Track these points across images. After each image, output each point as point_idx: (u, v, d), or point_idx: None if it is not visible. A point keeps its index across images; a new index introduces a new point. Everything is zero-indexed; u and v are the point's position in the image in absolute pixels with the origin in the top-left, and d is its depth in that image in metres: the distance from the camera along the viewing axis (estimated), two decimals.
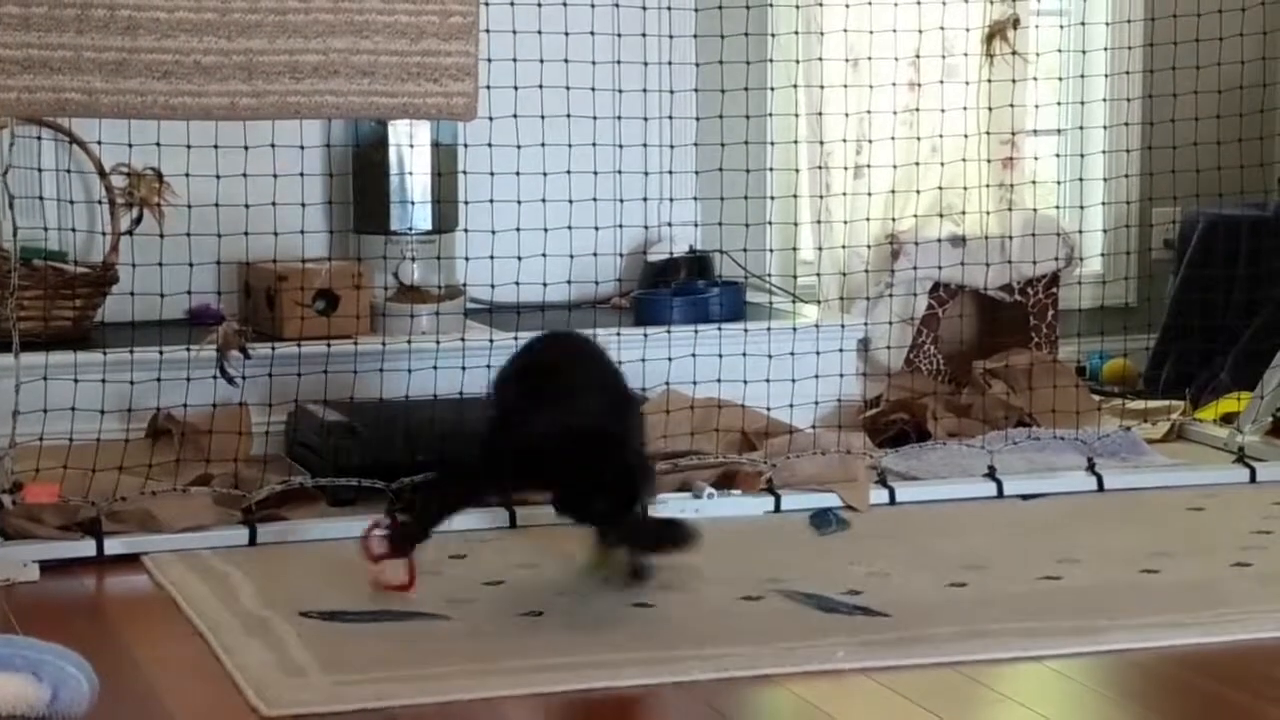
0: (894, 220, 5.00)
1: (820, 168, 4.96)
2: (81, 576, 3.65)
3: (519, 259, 4.47)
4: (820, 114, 4.94)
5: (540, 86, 4.42)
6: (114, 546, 3.74)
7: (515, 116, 4.39)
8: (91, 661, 2.79)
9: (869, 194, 4.98)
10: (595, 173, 4.60)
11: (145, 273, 4.24)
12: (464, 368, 4.35)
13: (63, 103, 3.72)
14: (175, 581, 3.55)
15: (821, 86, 4.91)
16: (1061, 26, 5.40)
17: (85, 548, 3.73)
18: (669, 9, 4.82)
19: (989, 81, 4.99)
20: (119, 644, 3.22)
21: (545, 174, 4.48)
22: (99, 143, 4.35)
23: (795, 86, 4.94)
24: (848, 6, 4.87)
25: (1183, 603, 3.40)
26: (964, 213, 5.01)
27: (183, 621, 3.34)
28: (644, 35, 4.75)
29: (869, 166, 4.96)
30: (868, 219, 4.98)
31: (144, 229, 4.51)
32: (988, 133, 4.99)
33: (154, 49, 3.70)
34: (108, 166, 4.55)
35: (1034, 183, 5.25)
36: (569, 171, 4.52)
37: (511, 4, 4.35)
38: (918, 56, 4.95)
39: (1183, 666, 3.11)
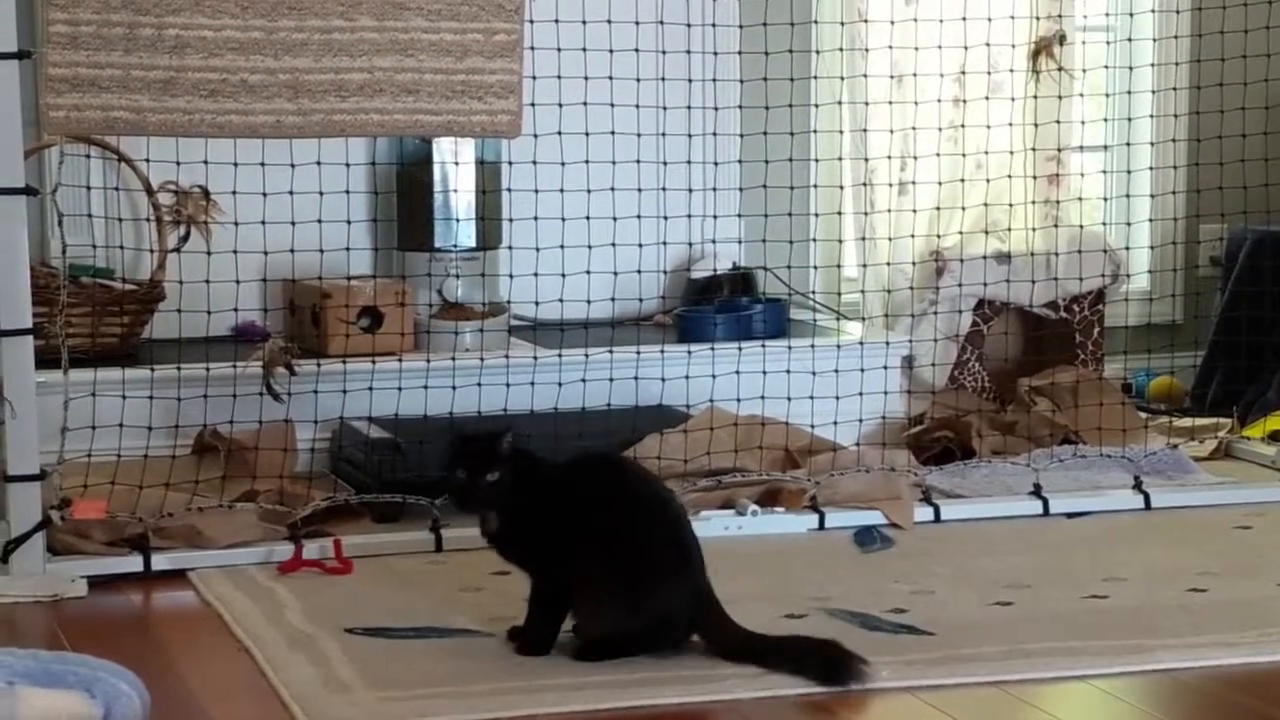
0: (938, 237, 5.00)
1: (864, 184, 4.96)
2: (128, 592, 3.67)
3: (563, 276, 4.47)
4: (865, 130, 4.94)
5: (584, 104, 4.43)
6: (161, 562, 3.76)
7: (559, 134, 4.40)
8: (138, 677, 2.80)
9: (913, 210, 4.97)
10: (639, 190, 4.61)
11: (192, 290, 4.26)
12: (508, 385, 4.36)
13: (111, 121, 3.74)
14: (221, 597, 3.56)
15: (866, 103, 4.92)
16: (1108, 42, 5.38)
17: (132, 563, 3.75)
18: (713, 25, 4.82)
19: (1034, 98, 4.98)
20: (165, 659, 3.23)
21: (589, 191, 4.49)
22: (147, 161, 4.38)
23: (839, 103, 4.94)
24: (892, 23, 4.87)
25: (1230, 622, 3.38)
26: (1009, 229, 5.00)
27: (228, 637, 3.35)
28: (688, 52, 4.75)
29: (913, 183, 4.96)
30: (912, 236, 4.98)
31: (191, 246, 4.54)
32: (1033, 149, 4.98)
33: (201, 68, 3.72)
34: (155, 184, 4.58)
35: (1080, 199, 5.23)
36: (613, 188, 4.53)
37: (556, 21, 4.37)
38: (963, 73, 4.94)
39: (1230, 686, 3.10)
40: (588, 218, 4.49)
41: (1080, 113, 5.09)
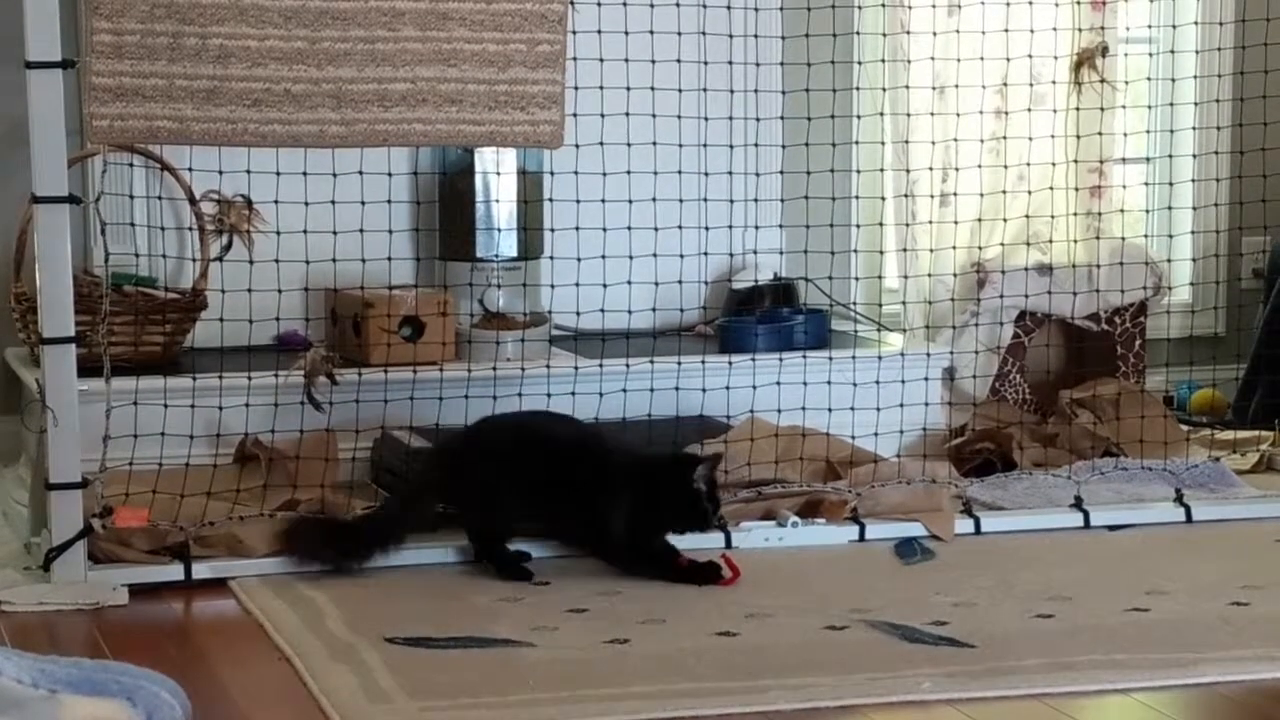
0: (980, 249, 4.98)
1: (906, 196, 4.95)
2: (169, 600, 3.68)
3: (604, 286, 4.48)
4: (906, 142, 4.93)
5: (626, 114, 4.43)
6: (202, 571, 3.78)
7: (602, 144, 4.40)
8: (179, 685, 2.81)
9: (955, 222, 4.96)
10: (680, 200, 4.61)
11: (234, 299, 4.27)
12: (549, 395, 4.36)
13: (154, 130, 3.76)
14: (262, 606, 3.57)
15: (908, 114, 4.91)
16: (1150, 54, 5.36)
17: (173, 572, 3.76)
18: (755, 36, 4.82)
19: (1077, 109, 4.96)
20: (206, 668, 3.24)
21: (631, 201, 4.49)
22: (189, 169, 4.39)
23: (881, 114, 4.94)
24: (935, 35, 4.86)
25: (1272, 636, 3.37)
26: (1051, 241, 4.98)
27: (269, 646, 3.36)
28: (730, 63, 4.75)
29: (955, 194, 4.94)
30: (953, 247, 4.97)
31: (233, 255, 4.55)
32: (1075, 161, 4.97)
33: (245, 77, 3.74)
34: (198, 193, 4.59)
35: (1122, 211, 5.21)
36: (654, 199, 4.53)
37: (599, 32, 4.37)
38: (1005, 84, 4.93)
39: (1273, 700, 3.08)
40: (629, 228, 4.49)
41: (1123, 125, 5.07)
